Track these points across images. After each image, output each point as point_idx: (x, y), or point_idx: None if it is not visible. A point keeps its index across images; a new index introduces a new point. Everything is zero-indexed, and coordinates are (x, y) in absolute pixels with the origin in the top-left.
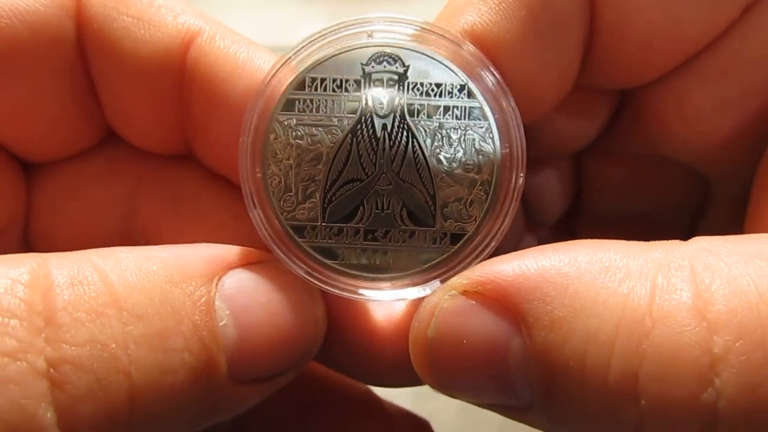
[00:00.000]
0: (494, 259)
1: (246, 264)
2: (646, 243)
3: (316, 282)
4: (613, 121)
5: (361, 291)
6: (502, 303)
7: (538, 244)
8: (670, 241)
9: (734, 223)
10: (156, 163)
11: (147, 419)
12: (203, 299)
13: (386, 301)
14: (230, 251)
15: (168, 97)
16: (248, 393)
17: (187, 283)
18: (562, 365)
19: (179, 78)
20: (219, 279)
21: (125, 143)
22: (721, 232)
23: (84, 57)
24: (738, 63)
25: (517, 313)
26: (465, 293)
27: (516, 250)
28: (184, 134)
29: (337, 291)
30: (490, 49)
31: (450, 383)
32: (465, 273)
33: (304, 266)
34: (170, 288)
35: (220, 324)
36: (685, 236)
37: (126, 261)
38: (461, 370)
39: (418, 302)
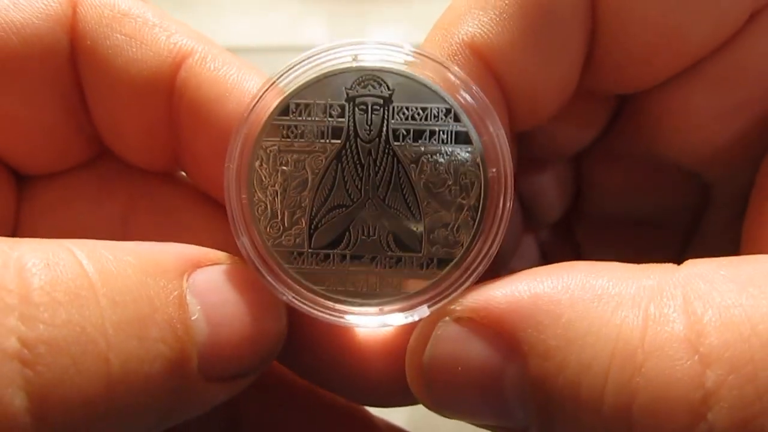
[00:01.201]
0: (487, 284)
1: (214, 264)
2: (640, 267)
3: (303, 307)
4: (612, 124)
5: (347, 317)
6: (496, 330)
7: (537, 245)
8: (663, 264)
9: (733, 226)
10: (148, 180)
11: (122, 410)
12: (176, 293)
13: (373, 327)
14: (199, 251)
15: (158, 116)
16: (215, 391)
17: (161, 276)
18: (557, 394)
19: (169, 97)
20: (189, 275)
21: (118, 159)
22: (720, 235)
23: (77, 72)
24: (740, 72)
25: (511, 341)
26: (459, 320)
27: (514, 252)
28: (174, 152)
29: (323, 316)
30: (490, 60)
31: (446, 406)
32: (459, 299)
33: (291, 292)
34: (146, 278)
35: (192, 318)
36: (683, 239)
37: (101, 250)
38: (457, 395)
39: (405, 326)
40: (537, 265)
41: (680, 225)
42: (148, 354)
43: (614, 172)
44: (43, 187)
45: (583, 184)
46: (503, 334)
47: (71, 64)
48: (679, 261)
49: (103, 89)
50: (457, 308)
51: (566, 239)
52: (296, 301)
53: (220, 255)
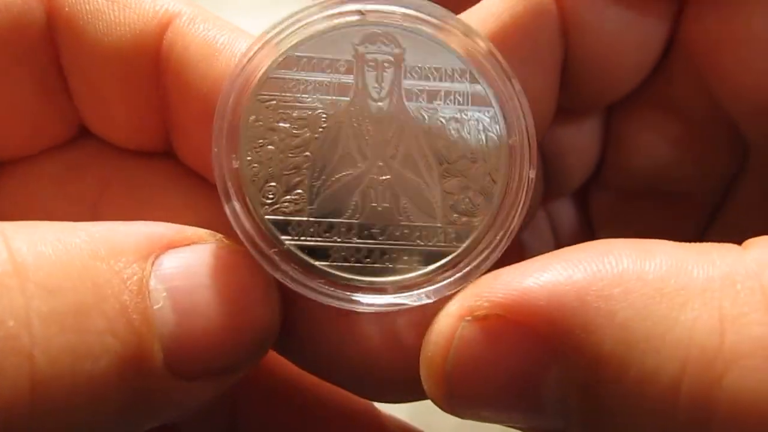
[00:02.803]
0: (512, 269)
1: (192, 243)
2: (697, 248)
3: (301, 287)
4: (659, 66)
5: (355, 297)
6: (534, 330)
7: (548, 220)
8: (724, 245)
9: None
10: (126, 163)
11: (57, 412)
12: (135, 277)
13: (384, 309)
14: (173, 229)
15: (143, 85)
16: (192, 390)
17: (117, 259)
18: (614, 403)
19: (155, 63)
20: (156, 257)
21: (95, 141)
22: (751, 210)
23: (54, 45)
24: None
25: (552, 344)
26: (487, 318)
27: (528, 224)
28: (162, 128)
29: (327, 298)
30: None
31: (471, 413)
32: (482, 291)
33: (288, 268)
34: (94, 263)
35: (155, 306)
36: (710, 213)
37: (43, 231)
38: (485, 402)
39: (416, 310)
40: (549, 242)
41: (708, 195)
42: (89, 349)
43: (650, 126)
44: (8, 173)
45: (612, 142)
46: (543, 335)
47: (46, 35)
48: (702, 237)
49: (83, 58)
50: (484, 303)
51: (578, 213)
52: (293, 280)
53: (200, 233)
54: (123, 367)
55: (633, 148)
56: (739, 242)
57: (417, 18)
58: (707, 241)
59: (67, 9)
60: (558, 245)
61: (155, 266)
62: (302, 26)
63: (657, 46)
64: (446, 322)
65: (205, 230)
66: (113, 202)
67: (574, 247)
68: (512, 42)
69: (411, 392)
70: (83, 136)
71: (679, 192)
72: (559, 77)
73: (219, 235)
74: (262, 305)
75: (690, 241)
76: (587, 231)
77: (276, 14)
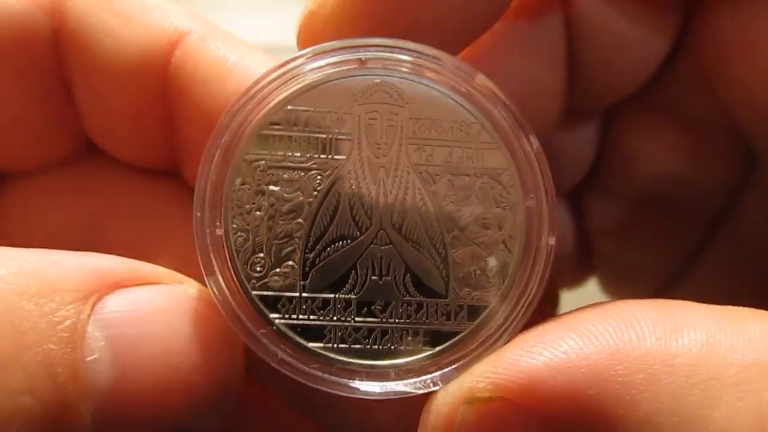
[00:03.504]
0: (521, 342)
1: (146, 283)
2: (732, 315)
3: (294, 372)
4: (664, 68)
5: (353, 384)
6: (542, 418)
7: None
8: (762, 313)
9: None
10: (131, 181)
11: None
12: (68, 322)
13: (386, 396)
14: (124, 265)
15: (150, 103)
16: None
17: (49, 298)
18: None
19: (163, 82)
20: (99, 298)
21: (101, 157)
22: (757, 224)
23: (59, 58)
24: None
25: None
26: (490, 401)
27: None
28: (169, 146)
29: (322, 384)
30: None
31: None
32: (484, 368)
33: (278, 350)
34: (19, 302)
35: (88, 358)
36: (711, 223)
37: None
38: None
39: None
40: None
41: (710, 206)
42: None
43: (653, 131)
44: (14, 187)
45: (609, 146)
46: (554, 425)
47: (52, 48)
48: (703, 249)
49: (90, 74)
50: (486, 385)
51: (573, 217)
52: (283, 364)
53: (159, 272)
54: (40, 430)
55: (634, 154)
56: (742, 256)
57: (422, 66)
58: (708, 254)
59: (74, 24)
60: None
61: (97, 308)
62: (295, 77)
63: (664, 45)
64: (446, 402)
65: (166, 270)
66: (116, 219)
67: (588, 310)
68: (516, 32)
69: None
70: (89, 151)
71: (680, 202)
72: (566, 72)
73: (180, 276)
74: (221, 362)
75: (690, 252)
76: (582, 236)
77: (276, 15)
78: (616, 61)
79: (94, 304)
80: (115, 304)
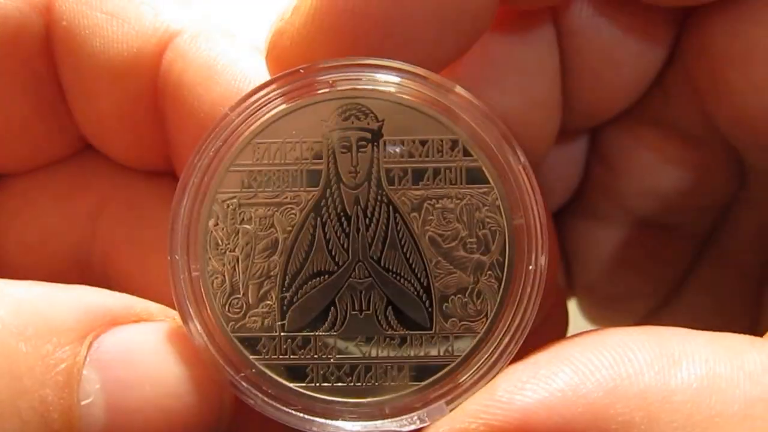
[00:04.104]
0: (511, 376)
1: (138, 321)
2: (731, 343)
3: (277, 413)
4: (654, 84)
5: (337, 424)
6: None
7: None
8: (762, 342)
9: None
10: (127, 181)
11: None
12: (64, 365)
13: None
14: (119, 302)
15: (142, 104)
16: None
17: (46, 339)
18: None
19: (154, 82)
20: (95, 337)
21: (97, 157)
22: (745, 243)
23: (52, 56)
24: None
25: None
26: None
27: None
28: (163, 147)
29: (306, 427)
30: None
31: None
32: (475, 408)
33: (259, 392)
34: (16, 344)
35: (82, 402)
36: (699, 244)
37: None
38: None
39: None
40: None
41: (702, 225)
42: None
43: (645, 144)
44: (9, 187)
45: (596, 166)
46: None
47: (45, 48)
48: (692, 269)
49: (81, 74)
50: (480, 427)
51: (558, 239)
52: (265, 406)
53: (151, 309)
54: None
55: (625, 171)
56: (731, 275)
57: (395, 83)
58: (697, 274)
59: (64, 23)
60: None
61: (93, 349)
62: (261, 108)
63: (656, 60)
64: None
65: (157, 306)
66: (112, 219)
67: (580, 340)
68: (510, 48)
69: None
70: (86, 151)
71: (671, 221)
72: (560, 85)
73: (172, 312)
74: (212, 401)
75: (679, 275)
76: (562, 264)
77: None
78: (608, 77)
79: (91, 344)
80: (110, 343)
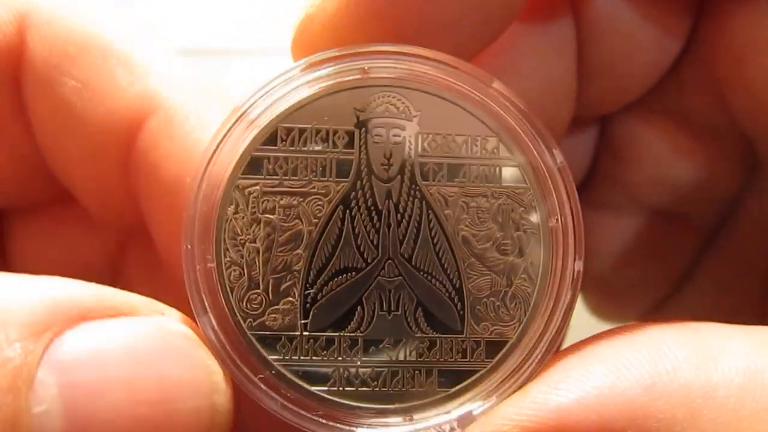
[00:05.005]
0: (546, 379)
1: (116, 315)
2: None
3: (296, 418)
4: (669, 72)
5: (361, 431)
6: None
7: None
8: None
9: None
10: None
11: None
12: (11, 365)
13: None
14: (92, 293)
15: (113, 179)
16: None
17: None
18: None
19: (125, 161)
20: (56, 334)
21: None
22: (753, 234)
23: (25, 112)
24: None
25: None
26: None
27: None
28: (135, 208)
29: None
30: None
31: None
32: (508, 410)
33: (278, 395)
34: None
35: (35, 410)
36: (708, 235)
37: None
38: None
39: None
40: None
41: (712, 214)
42: None
43: (658, 133)
44: (32, 218)
45: (606, 155)
46: None
47: (18, 100)
48: (698, 263)
49: (58, 139)
50: (506, 428)
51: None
52: (284, 410)
53: (134, 302)
54: None
55: (638, 159)
56: (740, 266)
57: (432, 74)
58: (705, 265)
59: (37, 86)
60: None
61: (51, 348)
62: (289, 91)
63: (673, 48)
64: None
65: (143, 298)
66: (135, 248)
67: (609, 338)
68: (529, 33)
69: None
70: None
71: (682, 211)
72: (576, 72)
73: (161, 306)
74: (202, 412)
75: (688, 265)
76: None
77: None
78: (623, 65)
79: (49, 342)
80: (74, 341)
